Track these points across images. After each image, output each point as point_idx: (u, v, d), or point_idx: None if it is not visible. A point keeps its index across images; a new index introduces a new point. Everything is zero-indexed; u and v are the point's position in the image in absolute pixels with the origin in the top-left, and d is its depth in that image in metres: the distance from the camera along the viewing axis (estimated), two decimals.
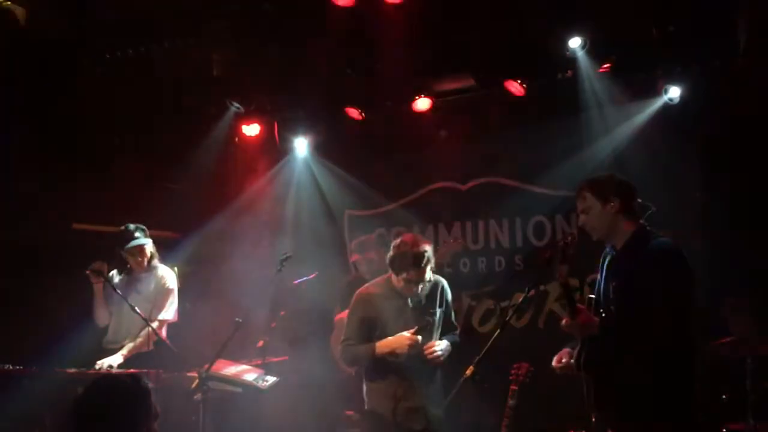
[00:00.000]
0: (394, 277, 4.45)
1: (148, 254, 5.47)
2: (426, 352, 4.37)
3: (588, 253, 3.90)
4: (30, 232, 6.49)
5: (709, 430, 4.85)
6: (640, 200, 3.80)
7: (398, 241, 4.46)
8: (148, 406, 2.66)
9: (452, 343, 4.53)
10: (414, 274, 4.33)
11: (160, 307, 5.42)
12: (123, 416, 2.60)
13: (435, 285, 4.54)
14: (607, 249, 3.87)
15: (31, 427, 4.58)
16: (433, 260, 4.40)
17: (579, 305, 3.60)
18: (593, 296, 3.75)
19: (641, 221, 3.75)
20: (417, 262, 4.31)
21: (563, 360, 3.83)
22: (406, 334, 4.34)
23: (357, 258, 6.09)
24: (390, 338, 4.38)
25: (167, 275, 5.55)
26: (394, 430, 4.39)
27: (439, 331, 4.55)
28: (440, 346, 4.42)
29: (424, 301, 4.48)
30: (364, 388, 4.58)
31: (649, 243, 3.68)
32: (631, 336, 3.57)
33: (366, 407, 4.57)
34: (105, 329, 5.51)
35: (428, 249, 4.38)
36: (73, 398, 2.62)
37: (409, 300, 4.46)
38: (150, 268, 5.51)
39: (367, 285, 4.67)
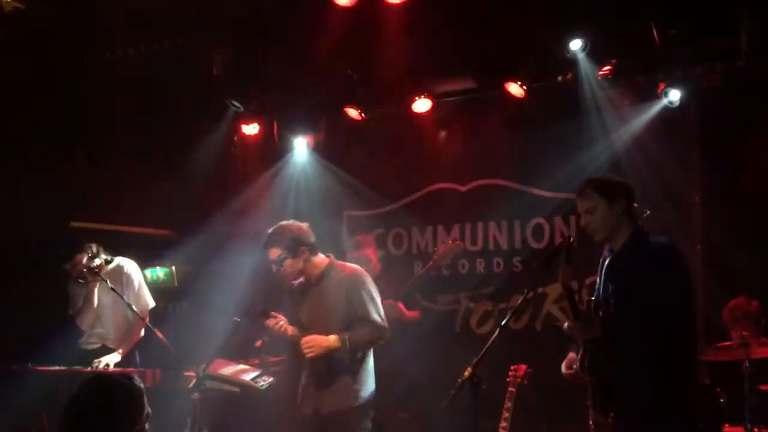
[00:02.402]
0: None
1: (86, 259, 5.39)
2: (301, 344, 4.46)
3: (587, 255, 3.90)
4: (27, 230, 6.48)
5: None
6: (635, 204, 3.82)
7: None
8: (141, 406, 2.67)
9: (347, 339, 4.41)
10: None
11: (136, 297, 5.41)
12: (115, 415, 2.61)
13: (329, 276, 4.59)
14: (606, 252, 3.86)
15: (29, 425, 4.58)
16: (279, 241, 4.49)
17: (580, 307, 3.61)
18: (593, 298, 3.75)
19: (639, 223, 3.76)
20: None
21: (574, 366, 3.79)
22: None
23: (349, 256, 6.08)
24: None
25: (127, 265, 5.52)
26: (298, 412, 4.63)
27: (339, 323, 4.50)
28: (312, 344, 4.40)
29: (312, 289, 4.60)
30: None
31: (648, 244, 3.68)
32: (631, 338, 3.57)
33: None
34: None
35: (275, 229, 4.55)
36: (67, 397, 2.62)
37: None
38: (105, 264, 5.45)
39: None
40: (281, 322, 4.53)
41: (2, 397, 4.63)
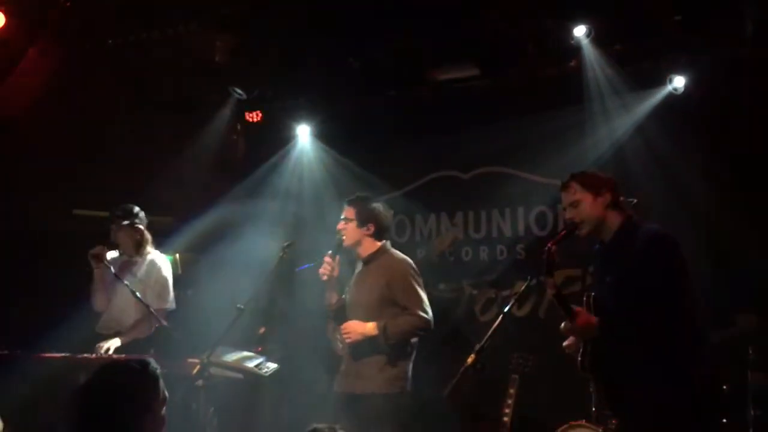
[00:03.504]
0: None
1: (137, 237, 5.43)
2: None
3: (590, 242, 3.89)
4: (30, 217, 6.48)
5: (710, 421, 4.84)
6: (621, 197, 3.81)
7: None
8: (156, 393, 2.63)
9: (385, 327, 4.51)
10: None
11: (158, 295, 5.40)
12: (133, 402, 2.56)
13: (376, 261, 4.74)
14: (597, 246, 3.85)
15: (29, 412, 4.58)
16: (359, 205, 4.74)
17: (576, 308, 3.59)
18: (593, 294, 3.71)
19: (628, 214, 3.74)
20: None
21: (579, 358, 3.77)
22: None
23: None
24: None
25: (162, 262, 5.53)
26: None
27: (374, 307, 4.62)
28: (350, 330, 4.57)
29: (361, 270, 4.83)
30: None
31: (638, 232, 3.68)
32: (632, 332, 3.54)
33: None
34: (97, 315, 5.50)
35: (365, 195, 4.87)
36: (80, 383, 2.58)
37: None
38: (143, 252, 5.47)
39: None
40: (330, 271, 4.72)
41: (6, 383, 4.63)
